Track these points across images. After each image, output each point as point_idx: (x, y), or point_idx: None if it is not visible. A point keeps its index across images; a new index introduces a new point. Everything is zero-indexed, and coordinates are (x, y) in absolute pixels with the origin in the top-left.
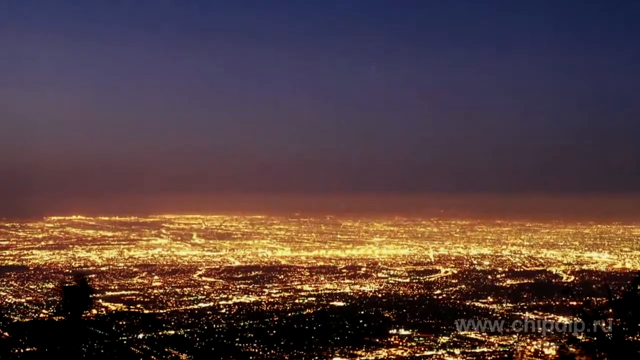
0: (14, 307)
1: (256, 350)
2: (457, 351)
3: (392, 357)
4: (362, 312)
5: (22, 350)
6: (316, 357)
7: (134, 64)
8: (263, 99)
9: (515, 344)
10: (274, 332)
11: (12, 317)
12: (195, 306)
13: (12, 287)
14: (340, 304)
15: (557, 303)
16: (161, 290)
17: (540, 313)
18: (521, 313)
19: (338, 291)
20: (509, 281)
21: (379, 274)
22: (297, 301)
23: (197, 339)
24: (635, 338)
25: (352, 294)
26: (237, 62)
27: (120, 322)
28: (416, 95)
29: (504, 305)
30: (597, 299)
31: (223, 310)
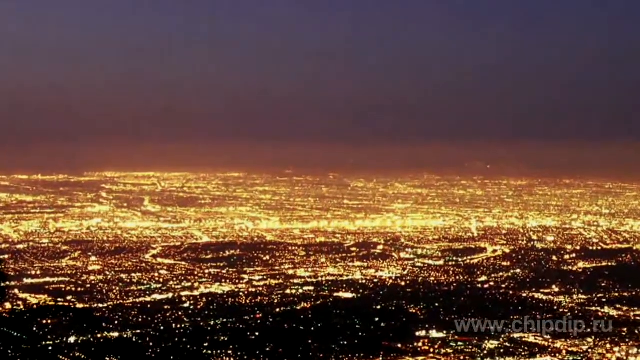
0: None
1: (231, 359)
2: None
3: None
4: (378, 307)
5: None
6: None
7: None
8: (247, 11)
9: (590, 350)
10: (256, 334)
11: None
12: (148, 298)
13: None
14: (348, 295)
15: None
16: (101, 277)
17: (625, 308)
18: (598, 308)
19: (345, 278)
20: (581, 264)
21: (402, 254)
22: (288, 292)
23: (151, 344)
24: None
25: (364, 281)
26: None
27: (45, 321)
28: (453, 9)
29: (575, 297)
30: None
31: (186, 305)
